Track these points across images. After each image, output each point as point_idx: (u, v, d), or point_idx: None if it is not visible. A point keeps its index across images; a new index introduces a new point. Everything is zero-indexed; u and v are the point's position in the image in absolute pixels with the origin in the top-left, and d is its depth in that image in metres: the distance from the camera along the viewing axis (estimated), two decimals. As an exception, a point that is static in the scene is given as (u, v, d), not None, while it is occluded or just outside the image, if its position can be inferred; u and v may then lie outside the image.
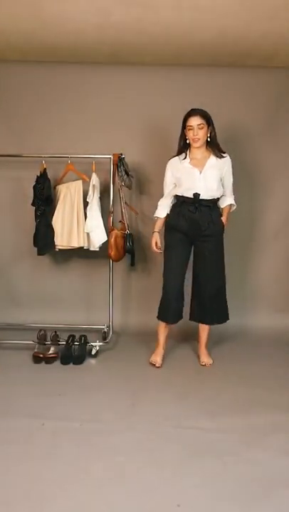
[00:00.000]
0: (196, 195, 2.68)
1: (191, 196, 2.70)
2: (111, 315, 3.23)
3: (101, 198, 3.11)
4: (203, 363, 2.93)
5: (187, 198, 2.72)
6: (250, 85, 3.50)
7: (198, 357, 3.00)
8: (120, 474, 1.80)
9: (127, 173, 3.11)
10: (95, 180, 3.06)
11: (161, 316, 2.88)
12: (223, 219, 2.83)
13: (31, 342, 3.08)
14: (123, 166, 3.05)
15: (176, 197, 2.80)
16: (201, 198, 2.69)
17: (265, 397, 2.49)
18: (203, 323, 2.97)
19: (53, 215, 3.13)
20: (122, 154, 3.02)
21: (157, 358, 2.91)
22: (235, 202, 2.90)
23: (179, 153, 2.78)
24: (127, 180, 3.13)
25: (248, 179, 3.58)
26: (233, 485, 1.74)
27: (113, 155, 3.01)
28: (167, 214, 2.86)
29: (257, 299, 3.70)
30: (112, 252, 3.01)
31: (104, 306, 3.27)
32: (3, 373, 2.75)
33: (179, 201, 2.77)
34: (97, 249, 3.12)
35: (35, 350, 2.99)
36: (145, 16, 2.72)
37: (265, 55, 3.27)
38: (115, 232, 3.03)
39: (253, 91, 3.50)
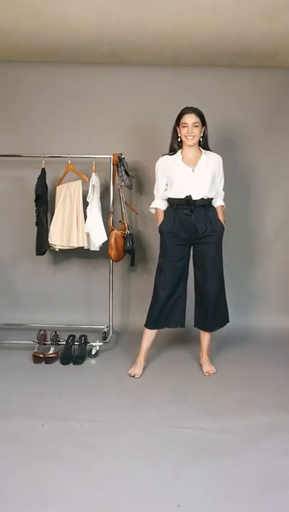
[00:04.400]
0: (189, 197, 2.59)
1: (184, 198, 2.61)
2: (111, 315, 3.23)
3: (101, 198, 3.11)
4: (206, 373, 2.79)
5: (180, 200, 2.62)
6: (250, 85, 3.50)
7: (201, 366, 2.87)
8: (120, 474, 1.80)
9: (127, 173, 3.11)
10: (94, 180, 3.06)
11: (147, 324, 2.77)
12: (221, 218, 2.72)
13: (31, 342, 3.08)
14: (123, 166, 3.05)
15: (170, 200, 2.69)
16: (194, 199, 2.60)
17: (266, 397, 2.49)
18: (204, 330, 2.85)
19: (47, 214, 3.16)
20: (122, 154, 3.02)
21: (136, 369, 2.76)
22: (229, 202, 2.89)
23: (170, 152, 2.68)
24: (127, 180, 3.13)
25: (247, 180, 3.58)
26: (233, 485, 1.74)
27: (113, 155, 3.02)
28: (163, 219, 2.73)
29: (258, 300, 3.70)
30: (112, 252, 3.01)
31: (105, 306, 3.27)
32: (3, 373, 2.75)
33: (174, 205, 2.66)
34: (97, 249, 3.12)
35: (35, 350, 2.99)
36: (145, 16, 2.72)
37: (265, 55, 3.27)
38: (115, 232, 3.03)
39: (253, 91, 3.50)
